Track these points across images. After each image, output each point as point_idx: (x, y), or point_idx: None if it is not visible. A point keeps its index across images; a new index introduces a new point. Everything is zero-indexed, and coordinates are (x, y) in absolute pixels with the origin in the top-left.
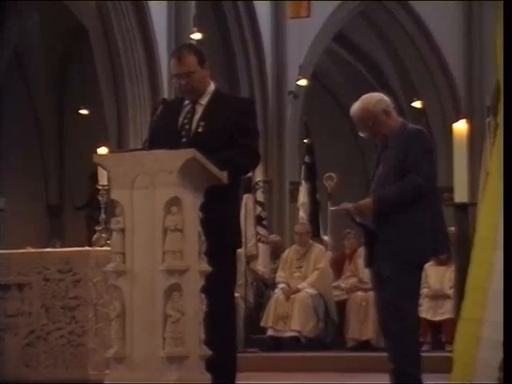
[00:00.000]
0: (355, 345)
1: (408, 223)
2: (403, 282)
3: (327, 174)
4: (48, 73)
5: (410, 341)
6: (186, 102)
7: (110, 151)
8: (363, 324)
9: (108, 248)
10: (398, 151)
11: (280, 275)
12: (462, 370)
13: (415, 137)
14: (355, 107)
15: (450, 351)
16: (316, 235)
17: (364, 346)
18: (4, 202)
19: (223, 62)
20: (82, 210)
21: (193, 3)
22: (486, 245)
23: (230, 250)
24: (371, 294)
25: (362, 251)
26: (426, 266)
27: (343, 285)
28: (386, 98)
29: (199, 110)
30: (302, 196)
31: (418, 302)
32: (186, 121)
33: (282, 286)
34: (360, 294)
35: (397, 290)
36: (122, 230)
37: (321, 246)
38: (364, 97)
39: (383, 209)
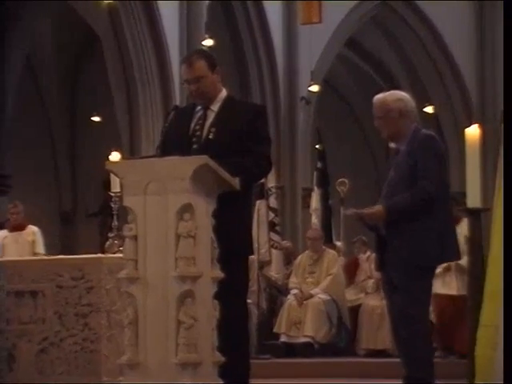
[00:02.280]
0: (368, 353)
1: (418, 229)
2: (414, 288)
3: (340, 180)
4: (60, 80)
5: (422, 346)
6: (198, 107)
7: (123, 158)
8: (377, 333)
9: (121, 255)
10: (409, 156)
11: (293, 281)
12: (483, 375)
13: (426, 142)
14: (378, 95)
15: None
16: (329, 241)
17: (378, 352)
18: None
19: (235, 69)
20: (95, 217)
21: (204, 10)
22: (500, 250)
23: (241, 256)
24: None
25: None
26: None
27: (356, 290)
28: (410, 101)
29: (211, 116)
30: (315, 202)
31: (429, 307)
32: (197, 127)
33: (294, 291)
34: (372, 302)
35: (408, 296)
36: (135, 237)
37: (333, 252)
38: (392, 91)
39: (394, 217)
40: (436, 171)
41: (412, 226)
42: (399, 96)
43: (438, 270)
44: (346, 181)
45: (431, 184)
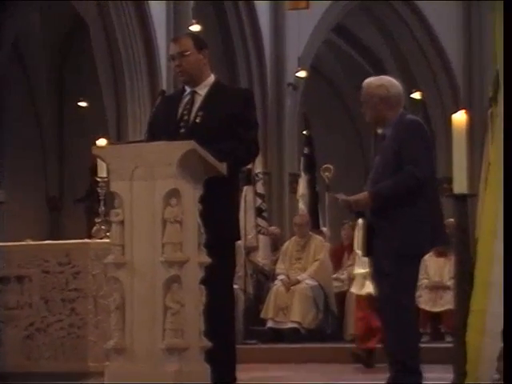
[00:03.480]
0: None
1: (405, 217)
2: (402, 276)
3: (324, 166)
4: (47, 65)
5: (408, 333)
6: (186, 92)
7: (110, 143)
8: None
9: (107, 240)
10: (394, 142)
11: (280, 267)
12: (473, 361)
13: (411, 128)
14: (365, 81)
15: (450, 342)
16: (315, 227)
17: None
18: (4, 195)
19: (222, 55)
20: (82, 203)
21: None
22: (490, 237)
23: (228, 242)
24: None
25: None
26: (426, 257)
27: (343, 276)
28: (394, 86)
29: (198, 101)
30: (302, 187)
31: (415, 294)
32: (185, 112)
33: (281, 277)
34: None
35: (395, 284)
36: (122, 222)
37: (320, 238)
38: (379, 77)
39: (380, 203)
40: (424, 156)
41: (402, 213)
42: (382, 81)
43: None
44: (331, 166)
45: (419, 170)
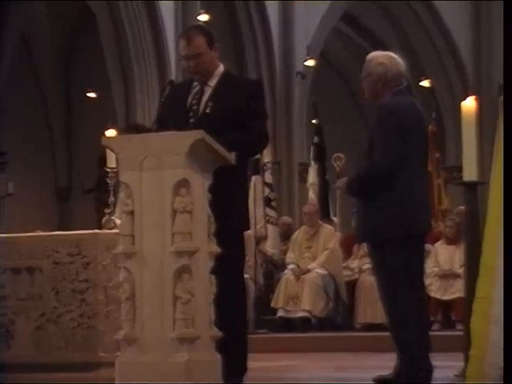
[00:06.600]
0: (365, 327)
1: (369, 205)
2: (378, 263)
3: (335, 155)
4: (55, 56)
5: (401, 322)
6: (195, 83)
7: (118, 133)
8: (374, 307)
9: (117, 230)
10: (373, 128)
11: (290, 256)
12: (478, 349)
13: (380, 113)
14: (368, 56)
15: (461, 330)
16: (326, 216)
17: (375, 326)
18: (13, 186)
19: (230, 43)
20: (91, 193)
21: None
22: (495, 223)
23: (238, 231)
24: None
25: None
26: (437, 244)
27: (353, 265)
28: (395, 64)
29: (208, 92)
30: (312, 177)
31: (408, 282)
32: (194, 102)
33: (291, 266)
34: (370, 277)
35: (376, 272)
36: (131, 213)
37: (330, 227)
38: (382, 53)
39: (351, 190)
40: (390, 144)
41: (367, 202)
42: (382, 60)
43: None
44: (342, 156)
45: (382, 159)
